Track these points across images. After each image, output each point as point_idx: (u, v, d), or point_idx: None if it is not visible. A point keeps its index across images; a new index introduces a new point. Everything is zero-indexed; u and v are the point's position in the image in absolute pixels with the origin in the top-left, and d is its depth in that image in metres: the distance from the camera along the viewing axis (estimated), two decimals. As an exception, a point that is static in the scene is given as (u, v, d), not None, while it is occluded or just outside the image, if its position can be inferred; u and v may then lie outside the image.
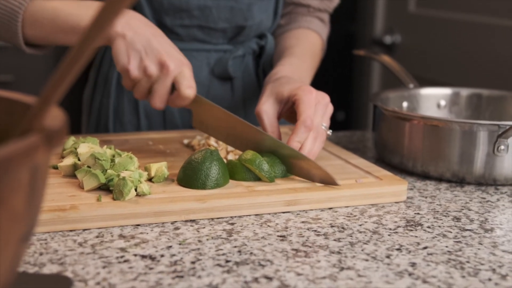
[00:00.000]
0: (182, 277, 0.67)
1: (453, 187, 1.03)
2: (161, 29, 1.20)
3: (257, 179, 0.93)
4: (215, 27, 1.20)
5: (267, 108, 1.00)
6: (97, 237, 0.77)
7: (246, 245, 0.76)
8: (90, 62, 1.05)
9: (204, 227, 0.81)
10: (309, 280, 0.67)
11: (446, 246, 0.78)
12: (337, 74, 2.82)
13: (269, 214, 0.87)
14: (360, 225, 0.84)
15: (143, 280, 0.66)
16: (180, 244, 0.76)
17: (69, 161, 0.92)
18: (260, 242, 0.77)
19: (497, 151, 1.00)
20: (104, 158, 0.88)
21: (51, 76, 0.47)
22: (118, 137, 1.15)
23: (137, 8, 1.18)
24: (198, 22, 1.19)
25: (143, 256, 0.72)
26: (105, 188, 0.86)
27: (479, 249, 0.78)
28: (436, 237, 0.81)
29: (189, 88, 0.94)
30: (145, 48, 0.93)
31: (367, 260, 0.73)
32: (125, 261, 0.70)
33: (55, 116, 0.49)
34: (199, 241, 0.77)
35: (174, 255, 0.72)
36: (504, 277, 0.70)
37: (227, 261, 0.71)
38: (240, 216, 0.85)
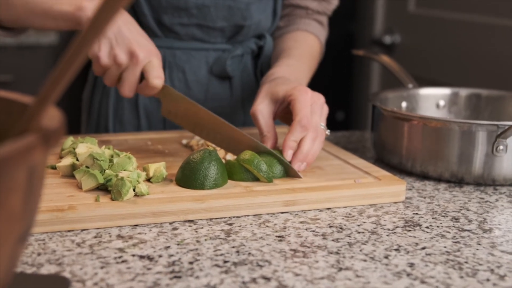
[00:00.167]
0: (180, 277, 0.67)
1: (452, 187, 1.03)
2: (159, 28, 1.20)
3: (256, 179, 0.93)
4: (213, 26, 1.21)
5: (263, 108, 1.00)
6: (95, 237, 0.77)
7: (244, 245, 0.76)
8: (89, 62, 1.05)
9: (202, 228, 0.81)
10: (307, 281, 0.67)
11: (445, 247, 0.78)
12: (337, 74, 2.82)
13: (268, 214, 0.87)
14: (359, 225, 0.84)
15: (141, 281, 0.66)
16: (178, 244, 0.75)
17: (67, 161, 0.92)
18: (258, 243, 0.77)
19: (496, 151, 1.00)
20: (103, 158, 0.88)
21: (49, 76, 0.47)
22: (117, 137, 1.15)
23: (135, 6, 1.18)
24: (197, 21, 1.19)
25: (141, 257, 0.72)
26: (104, 188, 0.86)
27: (477, 249, 0.78)
28: (434, 237, 0.81)
29: (157, 78, 0.96)
30: (115, 36, 0.94)
31: (365, 260, 0.73)
32: (123, 261, 0.70)
33: (53, 116, 0.49)
34: (197, 241, 0.77)
35: (172, 255, 0.72)
36: (502, 277, 0.70)
37: (225, 262, 0.71)
38: (238, 217, 0.85)
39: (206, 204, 0.83)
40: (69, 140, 0.99)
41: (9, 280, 0.50)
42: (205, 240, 0.77)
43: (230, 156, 1.01)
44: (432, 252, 0.76)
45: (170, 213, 0.82)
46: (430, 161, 1.04)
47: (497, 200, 0.97)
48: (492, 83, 1.90)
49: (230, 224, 0.82)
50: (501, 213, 0.92)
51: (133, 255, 0.72)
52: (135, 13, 1.18)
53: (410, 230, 0.83)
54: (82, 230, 0.79)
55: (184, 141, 1.12)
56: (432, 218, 0.88)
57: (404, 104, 1.25)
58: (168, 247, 0.75)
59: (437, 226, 0.85)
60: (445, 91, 1.28)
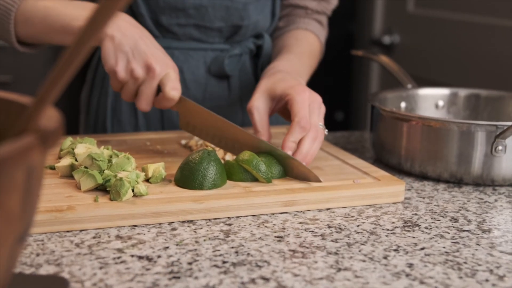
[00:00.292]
0: (179, 278, 0.67)
1: (451, 187, 1.03)
2: (157, 28, 1.20)
3: (255, 179, 0.93)
4: (211, 26, 1.21)
5: (259, 104, 1.01)
6: (94, 237, 0.77)
7: (243, 245, 0.76)
8: (87, 62, 1.05)
9: (201, 228, 0.81)
10: (306, 281, 0.67)
11: (444, 247, 0.78)
12: (336, 74, 2.82)
13: (267, 214, 0.87)
14: (358, 225, 0.84)
15: (140, 281, 0.66)
16: (177, 244, 0.75)
17: (66, 161, 0.91)
18: (257, 243, 0.77)
19: (495, 152, 1.00)
20: (101, 158, 0.88)
21: (47, 77, 0.47)
22: (116, 137, 1.15)
23: (133, 7, 1.18)
24: (194, 21, 1.19)
25: (140, 257, 0.72)
26: (102, 188, 0.86)
27: (476, 249, 0.78)
28: (433, 237, 0.81)
29: (174, 90, 0.96)
30: (132, 50, 0.94)
31: (364, 261, 0.73)
32: (122, 262, 0.70)
33: (51, 117, 0.49)
34: (196, 241, 0.77)
35: (171, 255, 0.72)
36: (501, 278, 0.70)
37: (224, 262, 0.71)
38: (237, 217, 0.85)
39: (205, 204, 0.83)
40: (67, 141, 0.99)
41: (8, 280, 0.50)
42: (204, 240, 0.77)
43: (229, 157, 1.01)
44: (431, 252, 0.76)
45: (169, 214, 0.82)
46: (429, 161, 1.04)
47: (496, 200, 0.97)
48: (491, 83, 1.90)
49: (229, 225, 0.82)
50: (500, 214, 0.92)
51: (132, 256, 0.72)
52: (133, 13, 1.18)
53: (409, 231, 0.83)
54: (81, 230, 0.78)
55: (183, 142, 1.12)
56: (431, 218, 0.88)
57: (403, 105, 1.25)
58: (167, 247, 0.75)
59: (436, 227, 0.85)
60: (444, 91, 1.28)
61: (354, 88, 2.84)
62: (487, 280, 0.70)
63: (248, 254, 0.74)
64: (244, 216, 0.86)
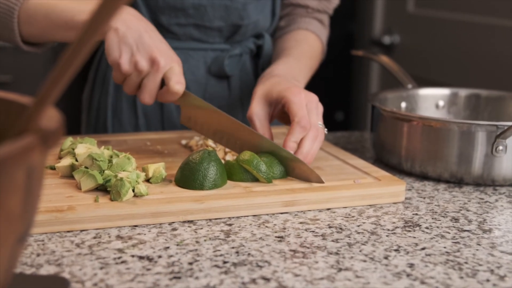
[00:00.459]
0: (179, 278, 0.67)
1: (452, 187, 1.03)
2: (157, 28, 1.20)
3: (255, 179, 0.93)
4: (210, 25, 1.21)
5: (258, 111, 1.00)
6: (94, 238, 0.76)
7: (243, 246, 0.76)
8: (89, 61, 1.05)
9: (201, 228, 0.81)
10: (307, 281, 0.67)
11: (444, 247, 0.78)
12: (336, 74, 2.82)
13: (267, 215, 0.86)
14: (358, 225, 0.84)
15: (140, 281, 0.66)
16: (177, 245, 0.75)
17: (66, 161, 0.91)
18: (258, 243, 0.77)
19: (496, 152, 1.00)
20: (102, 158, 0.88)
21: (48, 77, 0.47)
22: (116, 137, 1.15)
23: (133, 7, 1.18)
24: (194, 20, 1.19)
25: (141, 257, 0.72)
26: (103, 189, 0.86)
27: (477, 249, 0.78)
28: (434, 237, 0.81)
29: (178, 84, 0.95)
30: (136, 43, 0.94)
31: (365, 261, 0.73)
32: (123, 262, 0.70)
33: (51, 117, 0.49)
34: (197, 242, 0.76)
35: (171, 256, 0.72)
36: (502, 278, 0.70)
37: (225, 262, 0.71)
38: (238, 217, 0.85)
39: (205, 204, 0.83)
40: (68, 141, 0.99)
41: (8, 280, 0.50)
42: (205, 240, 0.77)
43: (229, 157, 1.01)
44: (432, 252, 0.76)
45: (170, 214, 0.82)
46: (429, 161, 1.04)
47: (496, 200, 0.97)
48: (491, 83, 1.90)
49: (230, 225, 0.82)
50: (500, 214, 0.92)
51: (133, 256, 0.72)
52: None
53: (409, 231, 0.83)
54: (81, 230, 0.78)
55: (183, 142, 1.12)
56: (432, 218, 0.88)
57: (403, 105, 1.24)
58: (168, 247, 0.74)
59: (437, 227, 0.85)
60: (445, 91, 1.28)
61: (354, 88, 2.84)
62: (488, 280, 0.69)
63: (249, 254, 0.73)
64: (245, 216, 0.85)
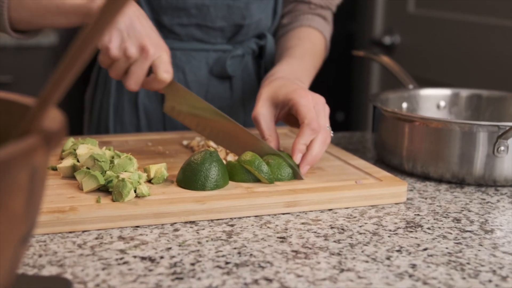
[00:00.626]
0: (181, 278, 0.67)
1: (453, 188, 1.03)
2: (159, 28, 1.20)
3: (257, 180, 0.93)
4: (213, 25, 1.20)
5: (264, 112, 1.00)
6: (96, 238, 0.76)
7: (245, 246, 0.76)
8: (91, 62, 1.05)
9: (203, 229, 0.81)
10: (309, 282, 0.67)
11: (447, 248, 0.78)
12: (336, 74, 2.82)
13: (269, 215, 0.86)
14: (360, 226, 0.84)
15: (142, 282, 0.66)
16: (179, 245, 0.75)
17: (68, 162, 0.91)
18: (260, 244, 0.77)
19: (497, 152, 1.00)
20: (103, 159, 0.88)
21: (50, 77, 0.47)
22: (118, 138, 1.15)
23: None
24: (196, 20, 1.19)
25: (143, 258, 0.71)
26: (105, 189, 0.86)
27: (479, 250, 0.78)
28: (436, 238, 0.81)
29: (166, 73, 0.95)
30: (127, 29, 0.94)
31: (367, 261, 0.73)
32: (125, 262, 0.70)
33: (54, 118, 0.48)
34: (199, 242, 0.76)
35: (173, 256, 0.72)
36: (504, 278, 0.70)
37: (227, 263, 0.71)
38: (239, 218, 0.85)
39: (207, 205, 0.83)
40: (69, 141, 0.99)
41: (11, 281, 0.50)
42: (207, 241, 0.77)
43: (231, 157, 1.01)
44: (434, 253, 0.76)
45: (171, 214, 0.82)
46: (431, 162, 1.04)
47: (498, 201, 0.97)
48: (492, 83, 1.90)
49: (232, 225, 0.82)
50: (502, 214, 0.91)
51: (135, 257, 0.72)
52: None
53: (411, 231, 0.83)
54: (83, 231, 0.78)
55: (185, 142, 1.12)
56: (434, 219, 0.88)
57: (404, 105, 1.24)
58: (170, 248, 0.74)
59: (439, 227, 0.85)
60: (446, 91, 1.28)
61: (355, 88, 2.84)
62: (490, 281, 0.69)
63: (251, 255, 0.73)
64: (247, 216, 0.85)
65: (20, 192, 0.45)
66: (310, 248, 0.76)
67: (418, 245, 0.78)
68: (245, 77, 1.28)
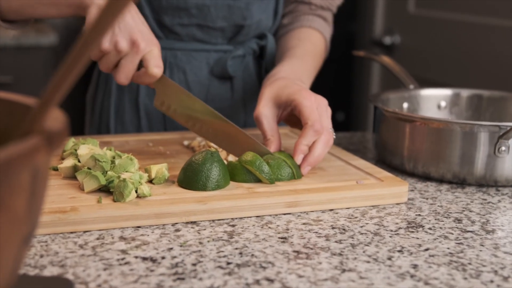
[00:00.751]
0: (183, 279, 0.67)
1: (454, 188, 1.03)
2: (160, 29, 1.20)
3: (258, 180, 0.92)
4: (213, 26, 1.20)
5: (267, 112, 1.00)
6: (97, 239, 0.76)
7: (247, 247, 0.76)
8: (92, 62, 1.05)
9: (205, 229, 0.81)
10: (311, 282, 0.67)
11: (448, 248, 0.78)
12: (337, 74, 2.82)
13: (270, 215, 0.86)
14: (361, 226, 0.84)
15: (144, 283, 0.66)
16: (181, 246, 0.75)
17: (69, 162, 0.91)
18: (261, 244, 0.77)
19: (498, 152, 1.00)
20: (104, 159, 0.88)
21: (52, 78, 0.47)
22: (118, 138, 1.15)
23: (137, 7, 1.18)
24: (197, 21, 1.19)
25: (144, 258, 0.71)
26: (106, 189, 0.86)
27: (481, 250, 0.78)
28: (437, 238, 0.81)
29: (157, 67, 0.95)
30: (119, 22, 0.93)
31: (368, 262, 0.73)
32: (126, 263, 0.70)
33: (56, 118, 0.48)
34: (200, 243, 0.76)
35: (175, 257, 0.72)
36: (506, 278, 0.70)
37: (228, 263, 0.71)
38: (241, 218, 0.85)
39: (208, 205, 0.83)
40: (70, 142, 0.99)
41: (13, 282, 0.50)
42: (208, 241, 0.77)
43: (232, 157, 1.01)
44: (435, 253, 0.76)
45: (173, 215, 0.82)
46: (432, 162, 1.04)
47: (499, 201, 0.97)
48: (492, 83, 1.90)
49: (233, 226, 0.82)
50: (503, 214, 0.91)
51: (136, 257, 0.72)
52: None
53: (413, 232, 0.83)
54: (85, 231, 0.78)
55: (186, 142, 1.12)
56: (435, 219, 0.88)
57: (405, 105, 1.24)
58: (171, 248, 0.74)
59: (440, 227, 0.85)
60: (447, 92, 1.28)
61: (355, 88, 2.84)
62: (491, 281, 0.69)
63: (252, 255, 0.73)
64: (248, 217, 0.85)
65: (22, 193, 0.45)
66: (312, 249, 0.76)
67: (420, 245, 0.78)
68: (246, 78, 1.28)
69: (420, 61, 2.32)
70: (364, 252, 0.76)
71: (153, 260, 0.71)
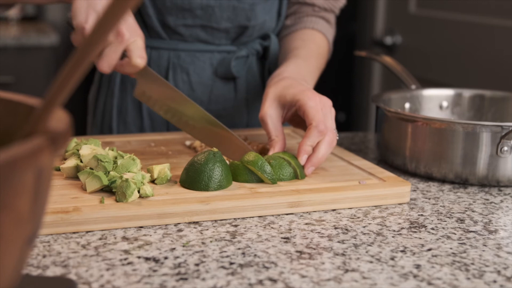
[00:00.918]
0: (186, 279, 0.67)
1: (456, 188, 1.02)
2: (164, 29, 1.20)
3: (260, 180, 0.92)
4: (217, 27, 1.20)
5: (271, 112, 1.00)
6: (100, 239, 0.76)
7: (250, 247, 0.76)
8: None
9: (207, 229, 0.81)
10: (314, 282, 0.67)
11: (451, 248, 0.78)
12: (338, 75, 2.82)
13: (273, 215, 0.86)
14: (364, 226, 0.84)
15: (147, 283, 0.66)
16: (183, 246, 0.75)
17: (71, 162, 0.91)
18: (264, 244, 0.77)
19: (500, 152, 1.00)
20: (107, 159, 0.88)
21: (56, 78, 0.47)
22: (121, 138, 1.15)
23: (140, 8, 1.18)
24: (201, 21, 1.19)
25: (147, 258, 0.71)
26: (108, 190, 0.86)
27: (483, 250, 0.78)
28: (440, 238, 0.81)
29: (140, 58, 0.95)
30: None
31: (371, 262, 0.73)
32: (129, 263, 0.70)
33: (60, 118, 0.48)
34: (203, 243, 0.76)
35: (178, 257, 0.72)
36: (509, 279, 0.70)
37: (231, 263, 0.71)
38: (243, 218, 0.85)
39: (210, 205, 0.83)
40: (72, 142, 0.99)
41: (17, 282, 0.50)
42: (211, 241, 0.77)
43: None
44: (438, 253, 0.76)
45: (175, 215, 0.82)
46: (434, 162, 1.04)
47: (502, 201, 0.97)
48: (494, 83, 1.90)
49: (235, 226, 0.82)
50: (506, 214, 0.91)
51: (139, 257, 0.72)
52: (140, 14, 1.18)
53: (415, 232, 0.83)
54: (87, 232, 0.78)
55: (188, 143, 1.12)
56: (437, 219, 0.88)
57: (407, 105, 1.24)
58: (174, 248, 0.74)
59: (443, 228, 0.85)
60: (449, 92, 1.28)
61: (356, 89, 2.84)
62: (494, 281, 0.69)
63: (255, 255, 0.73)
64: (250, 217, 0.85)
65: (25, 193, 0.45)
66: (314, 249, 0.76)
67: (422, 245, 0.78)
68: (249, 78, 1.28)
69: (421, 62, 2.32)
70: (367, 252, 0.76)
71: (155, 260, 0.71)
